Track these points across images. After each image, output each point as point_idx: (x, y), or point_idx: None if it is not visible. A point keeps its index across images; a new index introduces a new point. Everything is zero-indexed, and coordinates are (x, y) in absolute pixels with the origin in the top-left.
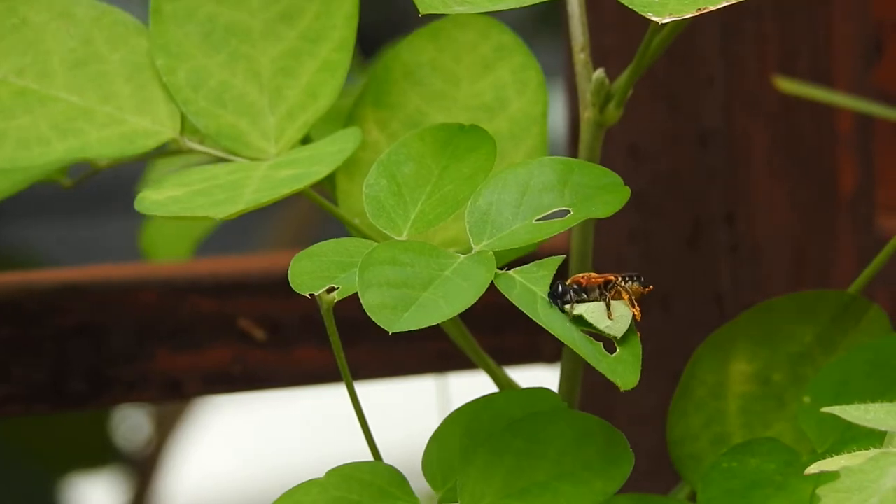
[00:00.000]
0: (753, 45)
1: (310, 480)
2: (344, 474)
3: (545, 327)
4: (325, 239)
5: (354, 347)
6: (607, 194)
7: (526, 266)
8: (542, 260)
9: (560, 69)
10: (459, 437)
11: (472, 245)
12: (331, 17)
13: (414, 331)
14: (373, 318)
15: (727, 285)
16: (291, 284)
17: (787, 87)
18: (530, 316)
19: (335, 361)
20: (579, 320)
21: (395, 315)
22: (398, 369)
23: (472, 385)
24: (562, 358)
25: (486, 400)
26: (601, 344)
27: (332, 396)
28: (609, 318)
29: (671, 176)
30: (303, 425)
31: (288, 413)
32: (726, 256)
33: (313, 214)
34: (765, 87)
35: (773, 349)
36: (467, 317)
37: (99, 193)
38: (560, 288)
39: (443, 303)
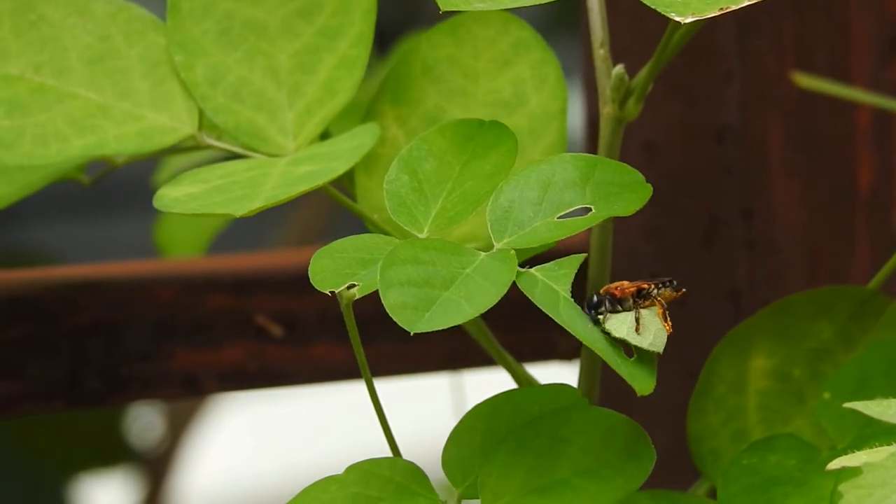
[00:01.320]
0: (771, 41)
1: (328, 477)
2: (363, 470)
3: (567, 328)
4: (338, 236)
5: (371, 344)
6: (629, 192)
7: (547, 264)
8: (564, 258)
9: (577, 68)
10: (480, 433)
11: (494, 242)
12: (348, 14)
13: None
14: (394, 318)
15: (743, 282)
16: (312, 281)
17: (804, 83)
18: (552, 316)
19: (352, 358)
20: (616, 333)
21: (416, 315)
22: (415, 366)
23: (486, 382)
24: (581, 355)
25: (505, 396)
26: (621, 348)
27: (346, 393)
28: (641, 331)
29: (687, 172)
30: (317, 422)
31: (302, 410)
32: (742, 253)
33: (326, 211)
34: (782, 84)
35: (791, 345)
36: (484, 313)
37: (116, 191)
38: (595, 298)
39: (465, 303)
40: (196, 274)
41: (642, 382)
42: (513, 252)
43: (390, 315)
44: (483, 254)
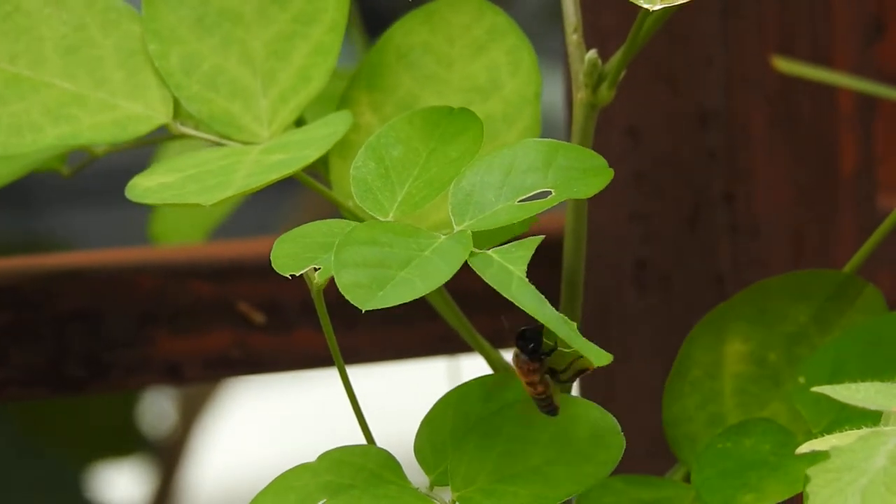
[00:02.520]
0: (753, 24)
1: (301, 465)
2: (335, 458)
3: (518, 304)
4: None
5: (354, 330)
6: (591, 176)
7: (504, 246)
8: (521, 240)
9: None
10: (450, 420)
11: (454, 225)
12: (322, 0)
13: (415, 313)
14: (346, 297)
15: (728, 265)
16: (273, 265)
17: (785, 68)
18: (504, 294)
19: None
20: None
21: (369, 294)
22: (400, 352)
23: (484, 367)
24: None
25: (477, 382)
26: (574, 324)
27: (359, 381)
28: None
29: (671, 157)
30: (329, 410)
31: (314, 397)
32: (726, 236)
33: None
34: (764, 67)
35: (768, 329)
36: (464, 298)
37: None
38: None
39: (419, 281)
40: (178, 261)
41: (598, 354)
42: (469, 233)
43: (343, 294)
44: (443, 236)
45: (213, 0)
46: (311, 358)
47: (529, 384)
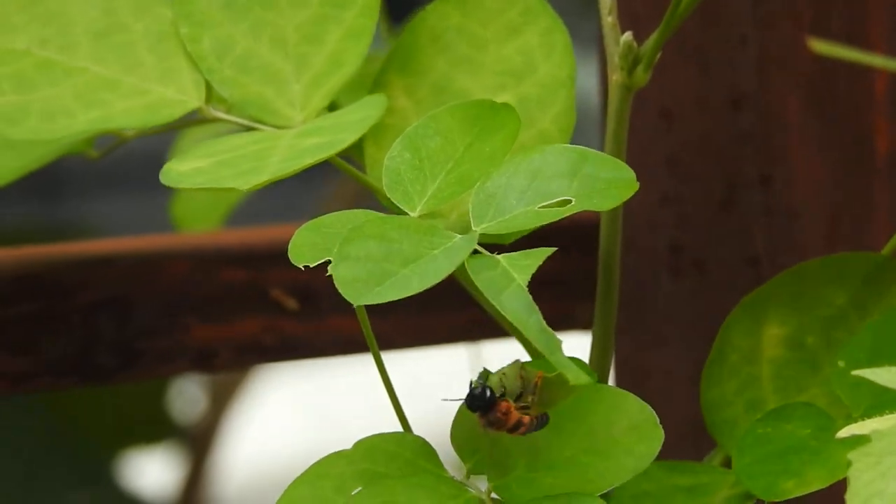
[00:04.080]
0: (787, 5)
1: (337, 452)
2: (370, 446)
3: (504, 312)
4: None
5: (384, 317)
6: (614, 188)
7: (515, 253)
8: (532, 250)
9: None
10: None
11: (473, 227)
12: None
13: (447, 300)
14: (341, 291)
15: (762, 248)
16: (290, 256)
17: (820, 49)
18: (491, 300)
19: None
20: None
21: (366, 288)
22: (429, 338)
23: (505, 353)
24: (593, 324)
25: (514, 368)
26: (560, 341)
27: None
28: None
29: (704, 139)
30: (360, 396)
31: (345, 384)
32: (761, 219)
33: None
34: (799, 49)
35: (805, 313)
36: None
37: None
38: (488, 394)
39: (416, 279)
40: (210, 248)
41: (577, 374)
42: (477, 233)
43: (338, 288)
44: (458, 237)
45: None
46: (343, 344)
47: (514, 428)
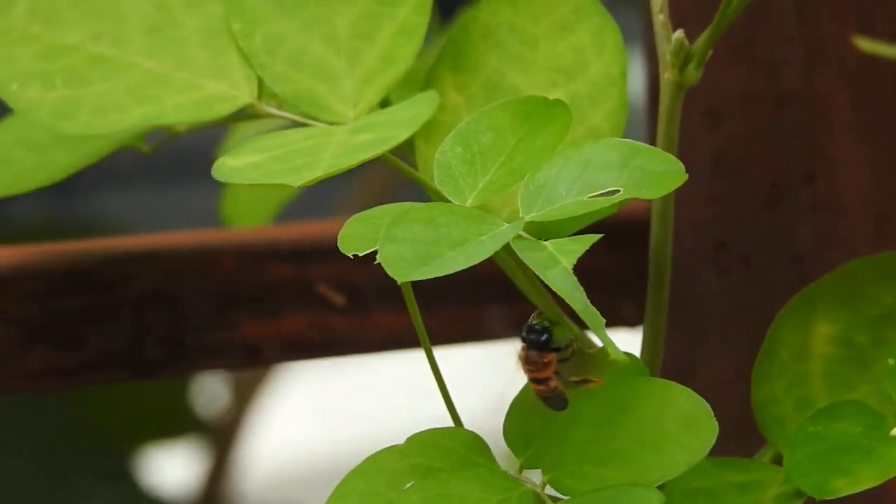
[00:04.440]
0: (831, 3)
1: (390, 447)
2: (424, 441)
3: (553, 287)
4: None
5: (432, 312)
6: (664, 180)
7: (562, 239)
8: (579, 236)
9: (636, 34)
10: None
11: (521, 215)
12: None
13: (492, 295)
14: (386, 269)
15: (808, 246)
16: (339, 245)
17: (866, 47)
18: (540, 275)
19: (413, 326)
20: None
21: (412, 268)
22: (475, 334)
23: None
24: (644, 323)
25: None
26: (603, 320)
27: (411, 362)
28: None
29: (749, 137)
30: (383, 391)
31: (368, 379)
32: (806, 216)
33: (392, 181)
34: (844, 46)
35: (854, 311)
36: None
37: (176, 161)
38: (545, 337)
39: (462, 258)
40: (258, 243)
41: (617, 350)
42: (524, 219)
43: (384, 267)
44: (506, 224)
45: None
46: (388, 340)
47: (538, 381)
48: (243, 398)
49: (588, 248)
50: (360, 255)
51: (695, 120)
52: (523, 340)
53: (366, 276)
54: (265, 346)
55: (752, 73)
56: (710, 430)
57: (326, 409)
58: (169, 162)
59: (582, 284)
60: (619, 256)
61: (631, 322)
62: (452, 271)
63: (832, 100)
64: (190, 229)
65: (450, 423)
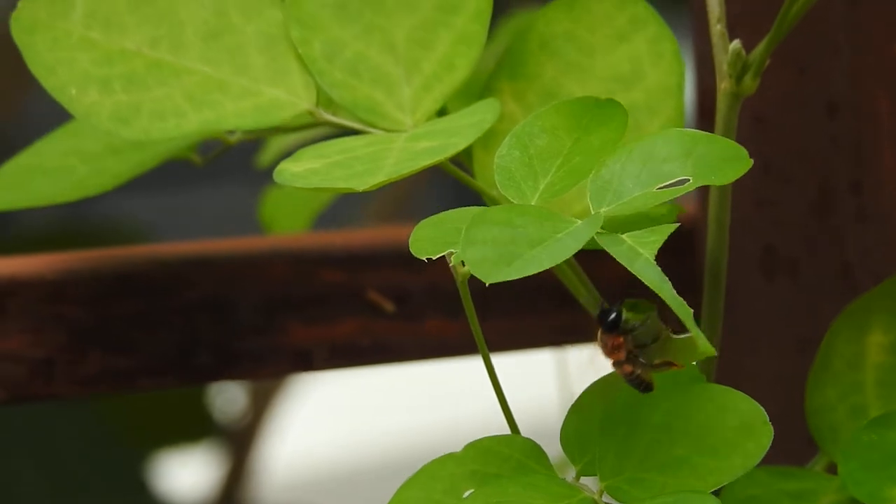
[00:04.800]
0: (881, 12)
1: (447, 454)
2: (481, 447)
3: (641, 278)
4: (428, 211)
5: (483, 319)
6: (730, 165)
7: (638, 231)
8: (655, 227)
9: (684, 42)
10: (598, 410)
11: (592, 210)
12: None
13: (545, 302)
14: (472, 270)
15: (855, 253)
16: (411, 249)
17: None
18: (628, 267)
19: (462, 333)
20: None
21: (495, 269)
22: (526, 341)
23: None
24: (700, 328)
25: None
26: (692, 310)
27: (428, 369)
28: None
29: (798, 144)
30: (401, 397)
31: (386, 385)
32: (854, 224)
33: (414, 187)
34: (891, 55)
35: None
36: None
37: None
38: (613, 316)
39: (546, 258)
40: (308, 249)
41: (706, 342)
42: (602, 214)
43: (470, 269)
44: (579, 221)
45: None
46: (439, 347)
47: (616, 364)
48: (260, 402)
49: (666, 238)
50: (430, 258)
51: (744, 127)
52: (597, 320)
53: (416, 282)
54: (315, 353)
55: (801, 81)
56: (766, 435)
57: (343, 413)
58: (176, 167)
59: (623, 288)
60: (660, 260)
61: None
62: (537, 271)
63: (879, 108)
64: (237, 236)
65: (465, 430)
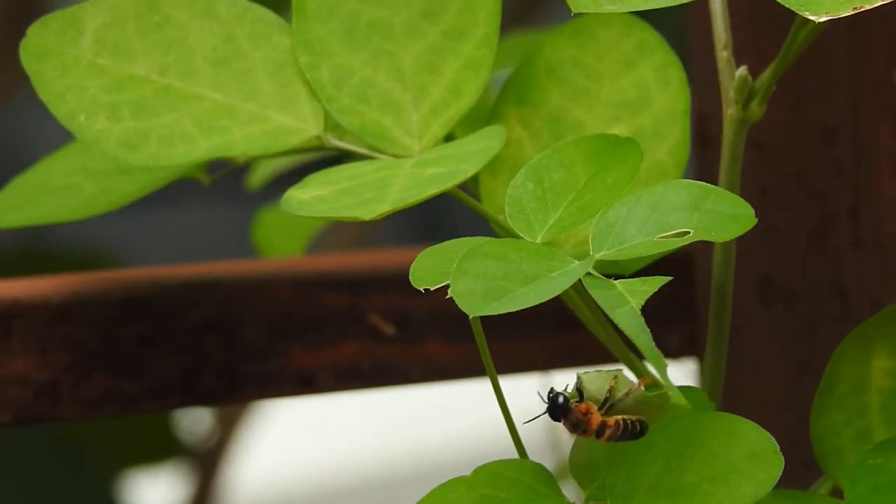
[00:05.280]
0: (880, 38)
1: (456, 478)
2: (491, 472)
3: (619, 325)
4: (387, 237)
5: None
6: (734, 223)
7: (632, 279)
8: (649, 277)
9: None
10: None
11: (591, 253)
12: (473, 14)
13: (547, 325)
14: (458, 303)
15: (853, 280)
16: (411, 279)
17: None
18: (607, 313)
19: (463, 357)
20: None
21: (483, 302)
22: (529, 364)
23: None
24: (705, 357)
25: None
26: (665, 364)
27: (398, 392)
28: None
29: (796, 171)
30: (368, 420)
31: (353, 407)
32: (851, 251)
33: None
34: (891, 84)
35: None
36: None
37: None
38: (561, 399)
39: (532, 295)
40: (311, 273)
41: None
42: (594, 258)
43: (455, 300)
44: (576, 262)
45: (362, 13)
46: (439, 370)
47: (599, 432)
48: (227, 423)
49: (657, 289)
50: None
51: (743, 153)
52: (551, 416)
53: (419, 306)
54: (318, 376)
55: (800, 108)
56: (776, 465)
57: (310, 434)
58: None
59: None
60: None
61: (673, 353)
62: (522, 307)
63: (878, 136)
64: (242, 259)
65: (433, 452)
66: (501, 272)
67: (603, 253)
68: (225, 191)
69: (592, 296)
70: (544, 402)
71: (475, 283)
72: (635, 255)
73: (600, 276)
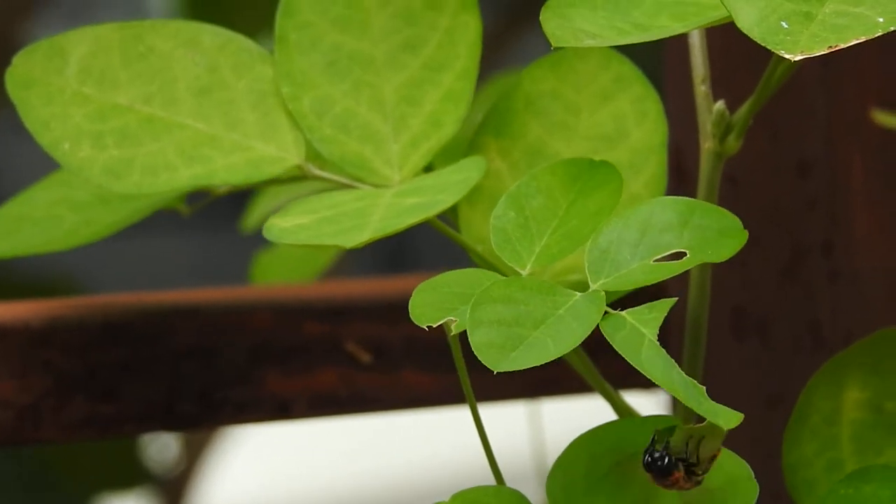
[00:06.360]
0: (854, 74)
1: None
2: (469, 499)
3: (646, 374)
4: (357, 264)
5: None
6: (726, 238)
7: (638, 308)
8: (655, 302)
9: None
10: (583, 463)
11: (590, 283)
12: (454, 47)
13: None
14: (480, 357)
15: (826, 313)
16: (412, 316)
17: (883, 120)
18: (631, 361)
19: (438, 385)
20: None
21: (501, 354)
22: (501, 393)
23: (566, 410)
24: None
25: (609, 426)
26: (703, 388)
27: (365, 418)
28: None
29: (770, 205)
30: (335, 446)
31: (320, 433)
32: (825, 284)
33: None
34: (865, 117)
35: (883, 378)
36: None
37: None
38: (665, 458)
39: (550, 343)
40: (290, 301)
41: (727, 416)
42: (603, 294)
43: (476, 354)
44: (578, 295)
45: (344, 45)
46: (415, 398)
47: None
48: (194, 449)
49: (666, 313)
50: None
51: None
52: (647, 470)
53: (396, 334)
54: (294, 403)
55: (774, 143)
56: (751, 492)
57: (277, 460)
58: None
59: (597, 345)
60: None
61: (648, 385)
62: (545, 360)
63: (852, 170)
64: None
65: (399, 478)
66: (512, 316)
67: (601, 282)
68: (195, 219)
69: (613, 345)
70: (653, 459)
71: (491, 333)
72: (636, 283)
73: (613, 311)
